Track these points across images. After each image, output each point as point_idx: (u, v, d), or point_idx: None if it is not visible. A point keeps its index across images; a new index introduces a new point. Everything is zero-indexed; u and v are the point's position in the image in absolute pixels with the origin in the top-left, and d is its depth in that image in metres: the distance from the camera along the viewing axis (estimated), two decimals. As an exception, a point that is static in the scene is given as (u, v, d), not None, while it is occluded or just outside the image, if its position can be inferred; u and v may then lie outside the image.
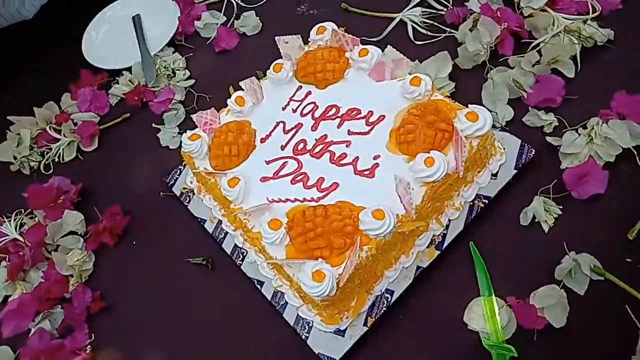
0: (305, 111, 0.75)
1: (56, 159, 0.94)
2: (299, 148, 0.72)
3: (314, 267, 0.59)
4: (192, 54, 1.02)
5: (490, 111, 0.68)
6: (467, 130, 0.64)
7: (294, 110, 0.76)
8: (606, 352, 0.59)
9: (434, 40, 0.89)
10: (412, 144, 0.66)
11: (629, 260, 0.63)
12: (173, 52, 1.02)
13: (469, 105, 0.67)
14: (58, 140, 0.94)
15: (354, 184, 0.67)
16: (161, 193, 0.84)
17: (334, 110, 0.74)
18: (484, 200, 0.70)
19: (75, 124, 0.95)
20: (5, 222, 0.84)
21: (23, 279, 0.80)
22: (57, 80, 1.03)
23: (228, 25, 1.04)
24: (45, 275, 0.77)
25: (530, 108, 0.77)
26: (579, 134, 0.72)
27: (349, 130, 0.71)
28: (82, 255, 0.79)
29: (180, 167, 0.85)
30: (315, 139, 0.72)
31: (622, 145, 0.69)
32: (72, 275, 0.78)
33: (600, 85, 0.76)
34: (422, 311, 0.66)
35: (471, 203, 0.70)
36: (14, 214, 0.86)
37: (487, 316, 0.63)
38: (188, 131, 0.75)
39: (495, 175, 0.71)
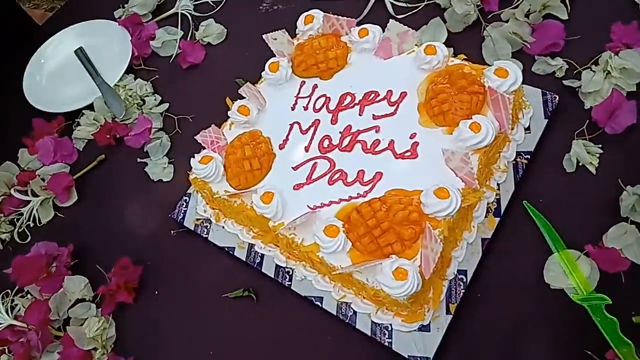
0: (317, 106, 0.69)
1: (31, 224, 0.82)
2: (325, 145, 0.66)
3: (392, 265, 0.53)
4: (157, 77, 0.92)
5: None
6: (502, 88, 0.62)
7: (305, 108, 0.70)
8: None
9: (415, 11, 0.86)
10: (449, 113, 0.62)
11: (682, 181, 0.63)
12: (135, 79, 0.92)
13: (495, 62, 0.64)
14: (28, 202, 0.82)
15: (398, 168, 0.62)
16: (172, 231, 0.75)
17: (349, 98, 0.68)
18: (526, 157, 0.67)
19: (43, 180, 0.83)
20: (-7, 308, 0.71)
21: (34, 367, 0.68)
22: (6, 137, 0.90)
23: (189, 39, 0.95)
24: (63, 356, 0.66)
25: (535, 57, 0.76)
26: (594, 72, 0.71)
27: (373, 115, 0.66)
28: (101, 322, 0.68)
29: (185, 198, 0.76)
30: (340, 132, 0.66)
31: (640, 72, 0.69)
32: (95, 349, 0.67)
33: (596, 21, 0.76)
34: (499, 283, 0.62)
35: (514, 162, 0.67)
36: (0, 297, 0.73)
37: (567, 271, 0.60)
38: (196, 155, 0.67)
39: (528, 129, 0.69)
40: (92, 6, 1.10)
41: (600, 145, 0.67)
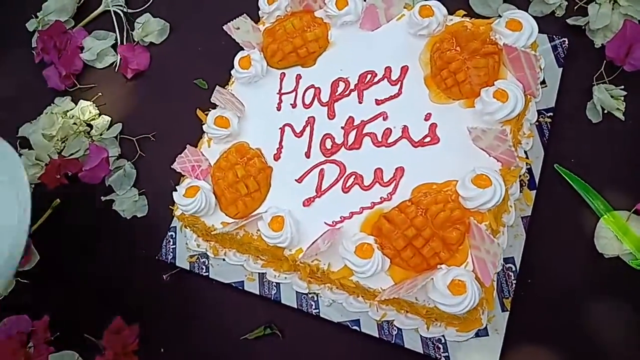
0: (307, 100, 0.59)
1: (-9, 298, 0.68)
2: (328, 146, 0.56)
3: (444, 279, 0.45)
4: (99, 94, 0.78)
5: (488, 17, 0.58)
6: (519, 43, 0.53)
7: (294, 105, 0.59)
8: None
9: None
10: (465, 83, 0.53)
11: None
12: (74, 102, 0.77)
13: (504, 14, 0.55)
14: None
15: (421, 159, 0.53)
16: (164, 275, 0.64)
17: (342, 84, 0.59)
18: (548, 115, 0.60)
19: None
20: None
21: None
22: None
23: (126, 42, 0.81)
24: None
25: (530, -2, 0.68)
26: (599, 3, 0.64)
27: (375, 99, 0.57)
28: (106, 401, 0.57)
29: (170, 233, 0.65)
30: (342, 128, 0.57)
31: (650, -4, 0.62)
32: None
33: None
34: (550, 265, 0.56)
35: (537, 123, 0.60)
36: (-24, 397, 0.61)
37: (619, 235, 0.55)
38: (177, 189, 0.55)
39: (543, 82, 0.61)
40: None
41: (622, 87, 0.61)
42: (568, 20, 0.65)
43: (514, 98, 0.51)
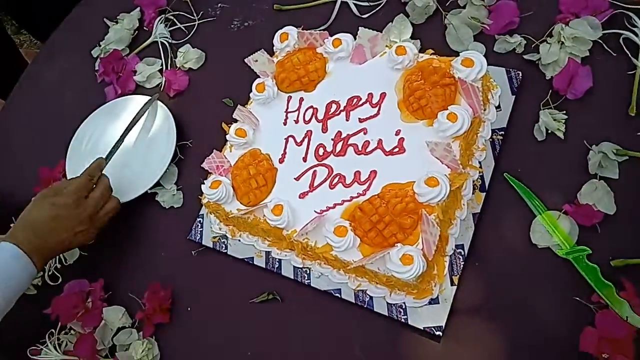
0: (307, 118, 0.75)
1: (59, 266, 0.87)
2: (320, 154, 0.72)
3: (398, 253, 0.61)
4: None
5: (459, 52, 0.72)
6: (470, 76, 0.68)
7: (296, 121, 0.76)
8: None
9: (377, 9, 0.91)
10: (427, 107, 0.69)
11: (639, 133, 0.70)
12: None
13: (461, 53, 0.70)
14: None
15: (390, 164, 0.68)
16: (193, 251, 0.81)
17: (334, 106, 0.75)
18: (500, 133, 0.74)
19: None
20: (43, 348, 0.77)
21: (90, 396, 0.75)
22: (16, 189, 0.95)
23: (170, 67, 1.00)
24: (117, 380, 0.73)
25: (495, 37, 0.82)
26: (550, 44, 0.78)
27: (359, 118, 0.73)
28: (145, 344, 0.75)
29: (198, 219, 0.82)
30: (332, 139, 0.73)
31: (590, 38, 0.76)
32: (144, 369, 0.74)
33: (545, -5, 0.82)
34: (493, 252, 0.70)
35: (491, 140, 0.74)
36: (47, 337, 0.79)
37: (550, 230, 0.68)
38: (205, 181, 0.73)
39: (498, 107, 0.76)
40: (69, 46, 1.14)
41: (564, 112, 0.74)
42: (525, 56, 0.79)
43: (461, 119, 0.65)
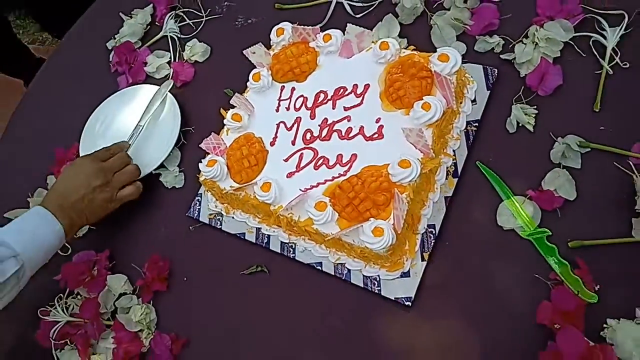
0: (297, 105, 0.82)
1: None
2: (308, 138, 0.79)
3: (370, 226, 0.67)
4: (156, 97, 1.05)
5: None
6: (445, 70, 0.74)
7: (287, 109, 0.83)
8: (613, 201, 0.71)
9: (371, 9, 0.98)
10: (404, 97, 0.75)
11: (602, 127, 0.76)
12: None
13: (438, 49, 0.77)
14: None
15: (369, 149, 0.75)
16: (190, 227, 0.88)
17: (322, 95, 0.82)
18: (474, 125, 0.81)
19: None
20: (52, 310, 0.85)
21: (93, 352, 0.82)
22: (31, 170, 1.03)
23: (177, 60, 1.08)
24: (116, 338, 0.80)
25: (476, 37, 0.88)
26: (525, 44, 0.84)
27: (344, 107, 0.79)
28: (143, 309, 0.82)
29: (197, 198, 0.90)
30: (319, 125, 0.79)
31: (562, 40, 0.82)
32: (141, 330, 0.81)
33: (524, -1, 0.88)
34: (462, 232, 0.76)
35: (465, 130, 0.80)
36: (56, 301, 0.87)
37: (515, 213, 0.74)
38: (202, 160, 0.80)
39: (474, 101, 0.82)
40: (86, 39, 1.23)
41: (535, 107, 0.80)
42: (502, 56, 0.85)
43: (434, 109, 0.72)
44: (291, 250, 0.80)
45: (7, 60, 1.95)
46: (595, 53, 0.80)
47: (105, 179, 0.86)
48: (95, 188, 0.84)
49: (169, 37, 1.10)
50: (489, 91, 0.82)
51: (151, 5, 1.15)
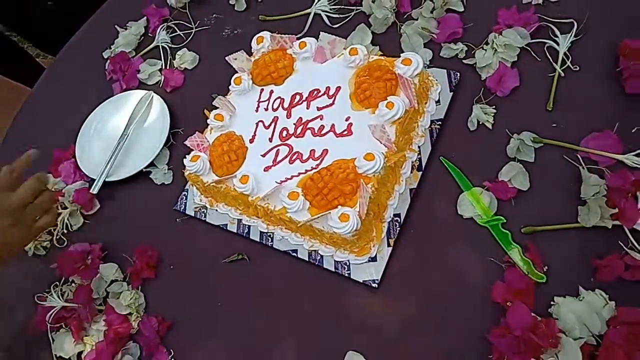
0: (275, 106, 0.89)
1: (65, 231, 1.02)
2: (284, 135, 0.86)
3: (338, 213, 0.74)
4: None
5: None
6: (408, 73, 0.82)
7: (266, 109, 0.90)
8: (562, 191, 0.78)
9: (346, 20, 1.06)
10: (371, 98, 0.82)
11: (554, 125, 0.83)
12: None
13: (402, 54, 0.84)
14: (59, 214, 1.02)
15: (339, 144, 0.82)
16: (177, 219, 0.95)
17: (298, 97, 0.89)
18: (438, 123, 0.88)
19: (69, 196, 1.03)
20: (48, 296, 0.91)
21: (86, 335, 0.88)
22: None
23: (168, 67, 1.15)
24: (107, 321, 0.86)
25: (442, 44, 0.96)
26: (485, 50, 0.91)
27: (317, 107, 0.86)
28: (132, 294, 0.88)
29: (184, 193, 0.96)
30: (294, 124, 0.86)
31: (518, 45, 0.89)
32: (130, 314, 0.87)
33: (486, 9, 0.95)
34: (426, 220, 0.82)
35: (430, 128, 0.87)
36: (52, 288, 0.93)
37: (474, 203, 0.81)
38: (187, 156, 0.87)
39: (438, 101, 0.89)
40: (84, 49, 1.31)
41: (494, 106, 0.87)
42: (465, 61, 0.92)
43: (397, 107, 0.79)
44: (269, 239, 0.87)
45: (13, 66, 2.04)
46: (549, 57, 0.88)
47: (13, 218, 0.80)
48: (5, 229, 0.79)
49: (160, 47, 1.17)
50: (451, 93, 0.89)
51: (145, 17, 1.23)
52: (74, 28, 1.35)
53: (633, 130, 0.78)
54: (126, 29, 1.23)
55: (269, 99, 0.91)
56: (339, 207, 0.75)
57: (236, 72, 0.95)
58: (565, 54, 0.87)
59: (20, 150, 0.89)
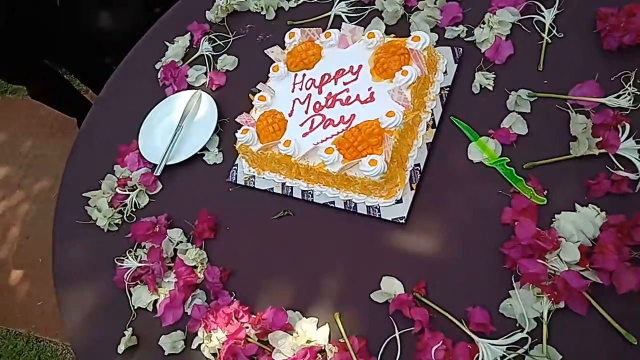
0: (308, 86, 1.07)
1: (134, 209, 1.19)
2: (317, 107, 1.03)
3: (367, 159, 0.89)
4: (197, 99, 1.31)
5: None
6: (418, 47, 0.98)
7: (300, 89, 1.07)
8: (555, 131, 0.92)
9: (363, 17, 1.24)
10: (388, 69, 0.99)
11: (545, 82, 0.98)
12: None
13: (412, 32, 1.01)
14: (128, 195, 1.19)
15: (364, 109, 0.98)
16: (230, 189, 1.12)
17: (327, 76, 1.06)
18: (446, 90, 1.04)
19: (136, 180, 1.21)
20: (125, 259, 1.07)
21: (159, 286, 1.04)
22: (98, 164, 1.29)
23: (212, 70, 1.34)
24: (177, 272, 1.01)
25: (445, 28, 1.12)
26: (483, 28, 1.08)
27: (343, 82, 1.03)
28: (196, 250, 1.04)
29: (234, 167, 1.13)
30: (325, 98, 1.03)
31: (510, 22, 1.05)
32: (196, 267, 1.03)
33: (481, -4, 1.13)
34: (442, 167, 0.97)
35: (440, 94, 1.03)
36: (127, 252, 1.09)
37: (481, 149, 0.95)
38: (238, 131, 1.04)
39: (445, 72, 1.05)
40: (138, 64, 1.51)
41: (493, 72, 1.03)
42: (466, 39, 1.09)
43: (411, 74, 0.95)
44: (310, 195, 1.02)
45: (61, 99, 2.31)
46: (537, 29, 1.04)
47: None
48: None
49: (204, 55, 1.37)
50: (456, 64, 1.05)
51: (189, 32, 1.44)
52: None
53: (612, 79, 0.93)
54: (174, 43, 1.43)
55: (302, 81, 1.08)
56: (368, 155, 0.91)
57: (272, 66, 1.13)
58: (550, 24, 1.03)
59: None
